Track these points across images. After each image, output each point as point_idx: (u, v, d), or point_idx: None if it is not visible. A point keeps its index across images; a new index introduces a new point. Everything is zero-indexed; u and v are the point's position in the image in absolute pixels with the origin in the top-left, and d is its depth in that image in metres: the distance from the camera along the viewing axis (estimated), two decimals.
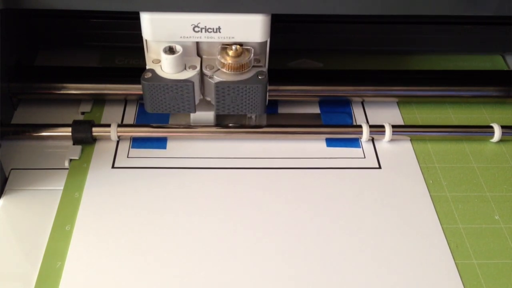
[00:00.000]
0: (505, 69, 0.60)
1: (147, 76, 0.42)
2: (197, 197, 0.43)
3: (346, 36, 0.58)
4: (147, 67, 0.43)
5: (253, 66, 0.43)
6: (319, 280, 0.38)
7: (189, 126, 0.48)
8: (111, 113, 0.51)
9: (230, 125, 0.48)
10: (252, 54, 0.42)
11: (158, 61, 0.43)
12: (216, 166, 0.46)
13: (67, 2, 0.40)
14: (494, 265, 0.39)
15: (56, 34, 0.56)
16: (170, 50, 0.42)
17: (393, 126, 0.49)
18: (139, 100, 0.52)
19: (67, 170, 0.45)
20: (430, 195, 0.44)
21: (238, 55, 0.42)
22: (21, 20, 0.53)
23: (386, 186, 0.45)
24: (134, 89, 0.50)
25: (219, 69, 0.43)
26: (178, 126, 0.48)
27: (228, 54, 0.42)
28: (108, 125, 0.47)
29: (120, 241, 0.40)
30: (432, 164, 0.47)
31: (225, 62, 0.42)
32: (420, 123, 0.52)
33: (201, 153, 0.47)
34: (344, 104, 0.53)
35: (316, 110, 0.52)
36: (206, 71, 0.43)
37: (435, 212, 0.43)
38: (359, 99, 0.53)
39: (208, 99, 0.45)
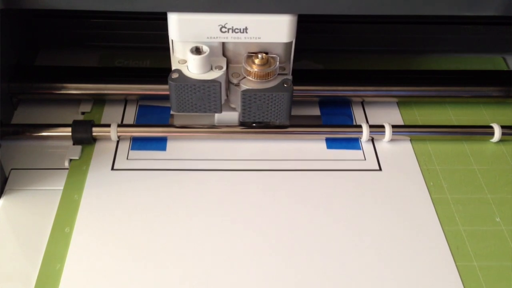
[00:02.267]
0: (505, 69, 0.60)
1: (174, 76, 0.42)
2: (197, 199, 0.43)
3: (346, 36, 0.58)
4: (173, 67, 0.43)
5: (278, 74, 0.43)
6: (319, 281, 0.38)
7: (188, 126, 0.48)
8: (111, 113, 0.51)
9: (254, 125, 0.48)
10: (278, 62, 0.43)
11: (184, 61, 0.43)
12: (215, 168, 0.46)
13: (67, 2, 0.39)
14: (495, 268, 0.39)
15: (56, 34, 0.57)
16: (197, 51, 0.42)
17: (393, 126, 0.49)
18: (139, 100, 0.52)
19: (67, 170, 0.45)
20: (431, 197, 0.44)
21: (264, 63, 0.42)
22: (21, 20, 0.53)
23: (387, 189, 0.45)
24: (134, 89, 0.51)
25: (245, 77, 0.43)
26: (178, 126, 0.48)
27: (254, 62, 0.42)
28: (108, 125, 0.47)
29: (120, 243, 0.40)
30: (432, 166, 0.47)
31: (251, 70, 0.42)
32: (420, 123, 0.52)
33: (200, 155, 0.47)
34: (344, 105, 0.53)
35: (316, 110, 0.52)
36: (232, 79, 0.43)
37: (436, 214, 0.43)
38: (359, 99, 0.53)
39: (233, 106, 0.46)
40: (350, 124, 0.51)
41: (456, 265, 0.39)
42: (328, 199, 0.44)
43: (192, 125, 0.48)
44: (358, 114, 0.52)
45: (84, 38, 0.57)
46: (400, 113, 0.53)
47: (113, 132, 0.47)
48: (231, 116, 0.48)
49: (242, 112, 0.44)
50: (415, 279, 0.38)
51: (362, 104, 0.53)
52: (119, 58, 0.58)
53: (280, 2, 0.39)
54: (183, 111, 0.44)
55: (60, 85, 0.50)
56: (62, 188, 0.43)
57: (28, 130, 0.47)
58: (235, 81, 0.43)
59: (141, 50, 0.58)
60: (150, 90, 0.51)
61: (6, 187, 0.44)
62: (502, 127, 0.49)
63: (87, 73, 0.53)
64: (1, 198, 0.43)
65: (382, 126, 0.49)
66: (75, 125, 0.47)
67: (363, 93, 0.52)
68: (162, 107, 0.52)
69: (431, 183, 0.46)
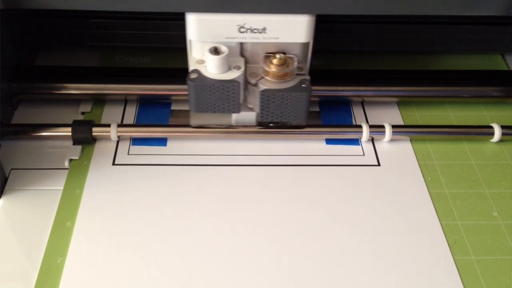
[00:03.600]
0: (505, 69, 0.60)
1: (192, 77, 0.42)
2: (198, 194, 0.43)
3: (346, 36, 0.58)
4: (191, 67, 0.43)
5: (296, 74, 0.43)
6: (318, 276, 0.38)
7: (188, 126, 0.48)
8: (111, 113, 0.51)
9: (270, 125, 0.48)
10: (296, 63, 0.43)
11: (202, 61, 0.43)
12: (216, 163, 0.46)
13: (67, 2, 0.39)
14: (493, 261, 0.40)
15: (56, 34, 0.56)
16: (215, 51, 0.42)
17: (393, 126, 0.49)
18: (139, 100, 0.52)
19: (67, 170, 0.45)
20: (429, 192, 0.45)
21: (282, 63, 0.42)
22: (21, 20, 0.53)
23: (385, 183, 0.45)
24: (134, 89, 0.51)
25: (263, 77, 0.43)
26: (178, 126, 0.48)
27: (272, 63, 0.42)
28: (108, 125, 0.47)
29: (121, 238, 0.40)
30: (431, 162, 0.47)
31: (269, 70, 0.42)
32: (420, 123, 0.52)
33: (201, 151, 0.47)
34: (344, 104, 0.53)
35: (316, 109, 0.52)
36: (250, 79, 0.43)
37: (433, 209, 0.43)
38: (359, 99, 0.53)
39: (251, 106, 0.46)
40: (349, 121, 0.51)
41: (453, 259, 0.40)
42: (326, 194, 0.44)
43: (208, 125, 0.48)
44: (358, 114, 0.52)
45: (84, 38, 0.57)
46: (400, 113, 0.53)
47: (113, 132, 0.47)
48: (249, 116, 0.48)
49: (261, 112, 0.44)
50: (413, 273, 0.38)
51: (362, 104, 0.54)
52: (120, 55, 0.58)
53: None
54: (202, 111, 0.44)
55: (60, 85, 0.50)
56: (62, 188, 0.44)
57: (28, 130, 0.47)
58: (253, 81, 0.43)
59: (141, 50, 0.59)
60: (150, 90, 0.51)
61: (6, 187, 0.44)
62: (502, 127, 0.49)
63: (87, 73, 0.53)
64: (1, 198, 0.43)
65: (382, 126, 0.49)
66: (75, 125, 0.47)
67: (363, 93, 0.52)
68: (162, 107, 0.52)
69: (429, 178, 0.46)
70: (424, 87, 0.52)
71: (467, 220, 0.43)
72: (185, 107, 0.51)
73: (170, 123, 0.50)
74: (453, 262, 0.39)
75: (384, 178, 0.46)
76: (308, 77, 0.44)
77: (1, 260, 0.38)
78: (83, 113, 0.51)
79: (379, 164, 0.47)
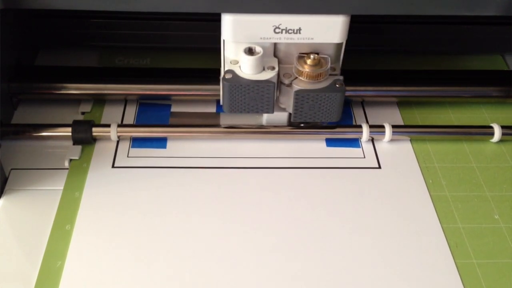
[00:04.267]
0: (505, 69, 0.60)
1: (227, 77, 0.42)
2: (197, 196, 0.43)
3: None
4: (225, 68, 0.43)
5: (329, 75, 0.44)
6: (319, 278, 0.38)
7: (188, 126, 0.48)
8: (111, 113, 0.51)
9: (301, 125, 0.48)
10: (329, 63, 0.43)
11: (236, 61, 0.43)
12: (216, 166, 0.46)
13: (67, 2, 0.39)
14: (494, 265, 0.39)
15: (56, 34, 0.56)
16: (250, 51, 0.42)
17: (393, 126, 0.49)
18: (139, 100, 0.52)
19: (67, 170, 0.45)
20: (430, 195, 0.44)
21: (316, 63, 0.42)
22: (21, 20, 0.53)
23: (386, 186, 0.45)
24: (134, 89, 0.51)
25: (296, 77, 0.43)
26: (178, 126, 0.48)
27: (306, 63, 0.42)
28: (108, 125, 0.47)
29: (120, 240, 0.40)
30: (431, 164, 0.47)
31: (303, 71, 0.42)
32: (420, 123, 0.52)
33: (201, 153, 0.47)
34: (344, 104, 0.53)
35: None
36: (284, 80, 0.43)
37: (434, 212, 0.43)
38: (359, 99, 0.53)
39: (283, 106, 0.46)
40: (349, 122, 0.51)
41: (455, 262, 0.39)
42: (327, 196, 0.44)
43: (240, 125, 0.48)
44: (358, 114, 0.52)
45: (84, 38, 0.57)
46: (400, 113, 0.53)
47: (113, 132, 0.47)
48: (280, 116, 0.48)
49: (294, 112, 0.44)
50: (414, 276, 0.38)
51: (362, 104, 0.54)
52: (119, 57, 0.58)
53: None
54: (235, 111, 0.44)
55: (60, 85, 0.50)
56: (62, 188, 0.43)
57: (28, 130, 0.47)
58: (286, 81, 0.43)
59: (141, 50, 0.59)
60: (150, 90, 0.51)
61: (6, 187, 0.44)
62: (502, 127, 0.49)
63: (87, 73, 0.53)
64: (1, 198, 0.43)
65: (382, 126, 0.49)
66: (75, 125, 0.47)
67: (363, 93, 0.52)
68: (162, 107, 0.52)
69: (430, 181, 0.46)
70: (424, 87, 0.52)
71: (468, 223, 0.42)
72: (185, 107, 0.51)
73: (170, 123, 0.50)
74: (454, 265, 0.39)
75: (385, 180, 0.45)
76: (341, 77, 0.44)
77: (1, 260, 0.38)
78: (83, 113, 0.51)
79: (379, 167, 0.47)
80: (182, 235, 0.40)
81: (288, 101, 0.44)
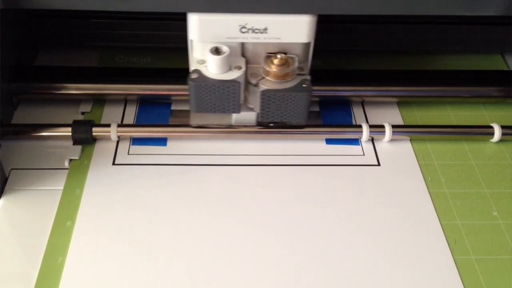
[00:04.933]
0: (505, 69, 0.60)
1: (193, 77, 0.42)
2: (198, 193, 0.43)
3: (346, 36, 0.58)
4: (192, 67, 0.43)
5: (297, 74, 0.43)
6: (318, 275, 0.38)
7: (188, 126, 0.48)
8: (111, 113, 0.51)
9: (271, 125, 0.48)
10: (297, 63, 0.43)
11: (203, 61, 0.43)
12: (216, 163, 0.46)
13: (67, 2, 0.39)
14: (492, 261, 0.40)
15: (56, 34, 0.57)
16: (217, 51, 0.42)
17: (393, 126, 0.49)
18: (139, 100, 0.52)
19: (67, 170, 0.45)
20: (429, 192, 0.45)
21: (283, 63, 0.42)
22: (21, 20, 0.53)
23: (385, 183, 0.45)
24: (134, 89, 0.51)
25: (264, 77, 0.43)
26: (178, 126, 0.49)
27: (273, 63, 0.42)
28: (108, 125, 0.47)
29: (121, 237, 0.40)
30: (430, 161, 0.47)
31: (270, 70, 0.42)
32: (420, 123, 0.52)
33: (202, 150, 0.47)
34: (344, 104, 0.53)
35: (316, 109, 0.52)
36: (251, 79, 0.43)
37: (433, 209, 0.43)
38: (359, 99, 0.53)
39: (251, 106, 0.46)
40: (349, 121, 0.51)
41: (453, 259, 0.40)
42: (326, 193, 0.44)
43: (209, 125, 0.48)
44: (358, 114, 0.52)
45: (84, 38, 0.57)
46: (400, 113, 0.53)
47: (113, 132, 0.47)
48: (249, 116, 0.48)
49: (261, 112, 0.44)
50: (413, 272, 0.38)
51: (362, 104, 0.54)
52: (120, 55, 0.58)
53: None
54: (202, 111, 0.44)
55: (60, 85, 0.50)
56: (62, 188, 0.44)
57: (28, 130, 0.47)
58: (253, 81, 0.43)
59: (141, 50, 0.59)
60: (150, 90, 0.51)
61: (6, 187, 0.44)
62: (502, 127, 0.49)
63: (87, 73, 0.53)
64: (1, 198, 0.43)
65: (382, 126, 0.49)
66: (75, 125, 0.47)
67: (363, 93, 0.52)
68: (162, 107, 0.52)
69: (429, 178, 0.46)
70: (424, 87, 0.52)
71: (467, 220, 0.43)
72: (185, 107, 0.51)
73: (170, 123, 0.50)
74: (453, 262, 0.39)
75: (384, 178, 0.46)
76: (309, 77, 0.44)
77: (1, 260, 0.38)
78: (83, 113, 0.51)
79: (379, 164, 0.47)
80: (182, 232, 0.40)
81: (256, 101, 0.44)
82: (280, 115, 0.44)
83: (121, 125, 0.48)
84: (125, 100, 0.52)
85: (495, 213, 0.43)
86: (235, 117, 0.48)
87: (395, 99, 0.53)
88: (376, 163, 0.47)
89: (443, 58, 0.60)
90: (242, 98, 0.44)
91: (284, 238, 0.40)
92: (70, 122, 0.47)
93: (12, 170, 0.45)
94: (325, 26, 0.57)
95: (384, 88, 0.52)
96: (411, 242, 0.40)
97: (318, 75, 0.54)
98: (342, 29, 0.57)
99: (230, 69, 0.42)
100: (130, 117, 0.51)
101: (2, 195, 0.43)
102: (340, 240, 0.40)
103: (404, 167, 0.47)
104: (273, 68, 0.42)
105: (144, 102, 0.52)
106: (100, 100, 0.52)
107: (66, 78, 0.51)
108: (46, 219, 0.41)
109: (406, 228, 0.41)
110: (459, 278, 0.38)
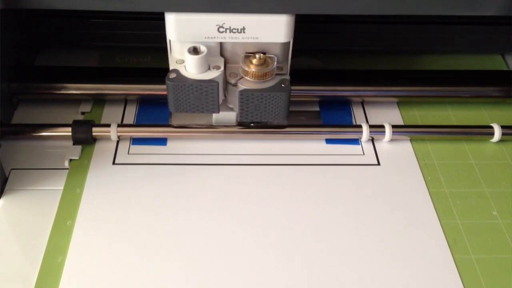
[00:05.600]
0: (505, 69, 0.60)
1: (171, 76, 0.42)
2: (198, 193, 0.43)
3: (346, 36, 0.58)
4: (171, 67, 0.43)
5: (276, 74, 0.43)
6: (317, 274, 0.38)
7: (189, 126, 0.48)
8: (111, 113, 0.51)
9: (251, 125, 0.48)
10: (276, 62, 0.43)
11: (182, 61, 0.43)
12: (216, 163, 0.46)
13: (67, 2, 0.39)
14: (492, 260, 0.40)
15: (56, 34, 0.56)
16: (195, 51, 0.42)
17: (393, 126, 0.49)
18: (139, 100, 0.52)
19: (67, 170, 0.45)
20: (429, 191, 0.45)
21: (261, 63, 0.42)
22: (21, 20, 0.53)
23: (385, 183, 0.45)
24: (134, 89, 0.51)
25: (242, 77, 0.43)
26: (178, 126, 0.48)
27: (251, 62, 0.42)
28: (108, 125, 0.47)
29: (121, 236, 0.40)
30: (430, 161, 0.47)
31: (249, 70, 0.42)
32: (420, 123, 0.52)
33: (201, 150, 0.47)
34: (344, 104, 0.53)
35: (316, 109, 0.52)
36: (230, 79, 0.43)
37: (433, 208, 0.43)
38: (359, 99, 0.53)
39: (231, 106, 0.46)
40: (349, 120, 0.51)
41: (453, 258, 0.40)
42: (326, 193, 0.44)
43: (190, 125, 0.48)
44: (358, 114, 0.52)
45: (84, 38, 0.57)
46: (400, 113, 0.53)
47: (113, 132, 0.47)
48: (229, 116, 0.48)
49: (240, 112, 0.44)
50: (413, 272, 0.39)
51: (362, 104, 0.54)
52: (120, 55, 0.58)
53: (278, 2, 0.39)
54: (181, 111, 0.44)
55: (60, 85, 0.50)
56: (62, 188, 0.44)
57: (28, 130, 0.47)
58: (232, 81, 0.43)
59: (141, 50, 0.59)
60: (150, 90, 0.51)
61: (6, 187, 0.44)
62: (502, 127, 0.49)
63: (87, 73, 0.53)
64: (1, 198, 0.43)
65: (382, 126, 0.49)
66: (75, 125, 0.47)
67: (363, 93, 0.52)
68: (162, 107, 0.52)
69: (429, 177, 0.46)
70: (424, 87, 0.52)
71: (467, 219, 0.43)
72: None
73: (170, 123, 0.50)
74: (453, 261, 0.39)
75: (384, 177, 0.46)
76: (288, 77, 0.44)
77: (1, 260, 0.38)
78: (83, 113, 0.51)
79: (379, 164, 0.47)
80: (182, 231, 0.41)
81: (235, 101, 0.44)
82: (259, 115, 0.44)
83: (121, 125, 0.48)
84: (125, 100, 0.52)
85: (495, 213, 0.43)
86: (215, 117, 0.48)
87: (395, 99, 0.53)
88: (376, 163, 0.47)
89: (443, 58, 0.60)
90: (221, 98, 0.44)
91: (284, 238, 0.40)
92: (70, 122, 0.47)
93: (12, 170, 0.45)
94: (325, 26, 0.57)
95: (384, 88, 0.52)
96: (411, 241, 0.41)
97: (318, 75, 0.54)
98: (342, 29, 0.57)
99: (208, 69, 0.42)
100: (130, 117, 0.51)
101: (2, 195, 0.43)
102: (340, 239, 0.40)
103: (404, 166, 0.47)
104: (252, 68, 0.42)
105: (144, 102, 0.52)
106: (100, 100, 0.52)
107: (66, 78, 0.51)
108: (46, 219, 0.41)
109: (406, 227, 0.42)
110: (459, 277, 0.38)
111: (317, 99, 0.52)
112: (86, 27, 0.56)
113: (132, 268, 0.38)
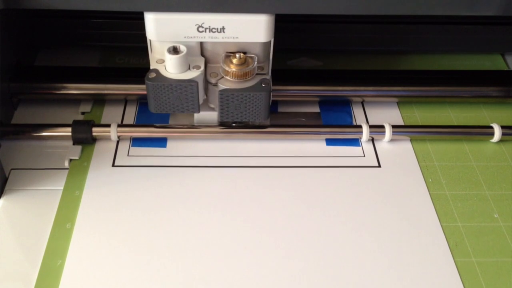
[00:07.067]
0: (505, 69, 0.60)
1: (151, 76, 0.42)
2: (198, 195, 0.43)
3: (346, 36, 0.58)
4: (151, 67, 0.43)
5: (257, 74, 0.43)
6: (318, 276, 0.38)
7: (189, 126, 0.48)
8: (111, 113, 0.51)
9: (233, 125, 0.48)
10: (256, 62, 0.43)
11: (162, 61, 0.43)
12: (216, 165, 0.46)
13: (67, 2, 0.40)
14: (493, 263, 0.40)
15: (56, 34, 0.56)
16: (174, 50, 0.42)
17: (393, 126, 0.49)
18: (139, 100, 0.52)
19: (67, 170, 0.45)
20: (430, 194, 0.45)
21: (242, 63, 0.42)
22: (21, 20, 0.53)
23: (386, 185, 0.45)
24: (134, 89, 0.51)
25: (223, 76, 0.43)
26: (178, 126, 0.48)
27: (232, 62, 0.42)
28: (108, 125, 0.47)
29: (121, 239, 0.40)
30: (431, 163, 0.47)
31: (229, 70, 0.42)
32: (420, 123, 0.52)
33: (201, 152, 0.47)
34: (344, 104, 0.53)
35: (316, 109, 0.52)
36: (210, 79, 0.43)
37: (434, 211, 0.43)
38: (359, 99, 0.53)
39: (212, 106, 0.46)
40: (349, 121, 0.51)
41: (454, 261, 0.39)
42: (327, 195, 0.44)
43: (170, 125, 0.49)
44: (358, 114, 0.52)
45: (84, 38, 0.57)
46: (400, 113, 0.53)
47: (113, 132, 0.47)
48: (210, 116, 0.48)
49: (220, 112, 0.44)
50: (414, 275, 0.38)
51: (362, 104, 0.54)
52: (120, 56, 0.58)
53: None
54: (161, 111, 0.44)
55: (60, 85, 0.50)
56: (62, 188, 0.44)
57: (28, 130, 0.47)
58: (213, 81, 0.43)
59: (141, 50, 0.58)
60: None
61: (6, 187, 0.44)
62: (502, 127, 0.49)
63: (87, 73, 0.53)
64: (1, 198, 0.43)
65: (382, 126, 0.49)
66: (75, 125, 0.47)
67: (363, 93, 0.52)
68: None
69: (430, 180, 0.46)
70: (424, 87, 0.52)
71: (468, 222, 0.42)
72: None
73: (170, 123, 0.50)
74: (454, 264, 0.39)
75: (385, 179, 0.46)
76: (268, 77, 0.44)
77: (1, 260, 0.38)
78: (83, 113, 0.51)
79: (379, 165, 0.47)
80: (182, 233, 0.40)
81: (215, 101, 0.44)
82: (239, 115, 0.44)
83: (121, 125, 0.48)
84: (125, 100, 0.52)
85: (496, 215, 0.43)
86: (196, 117, 0.48)
87: (395, 99, 0.53)
88: (377, 165, 0.47)
89: (443, 58, 0.60)
90: (201, 98, 0.44)
91: (284, 239, 0.40)
92: (70, 122, 0.47)
93: (12, 170, 0.45)
94: (325, 26, 0.58)
95: (384, 88, 0.52)
96: (411, 244, 0.40)
97: (318, 75, 0.54)
98: (341, 29, 0.57)
99: (188, 68, 0.42)
100: (130, 117, 0.51)
101: (2, 195, 0.43)
102: (340, 241, 0.40)
103: (404, 168, 0.47)
104: (232, 68, 0.42)
105: (144, 102, 0.52)
106: (100, 100, 0.52)
107: (66, 78, 0.51)
108: (46, 219, 0.41)
109: (407, 230, 0.41)
110: (460, 280, 0.38)
111: (317, 99, 0.52)
112: (86, 27, 0.56)
113: (132, 271, 0.38)
